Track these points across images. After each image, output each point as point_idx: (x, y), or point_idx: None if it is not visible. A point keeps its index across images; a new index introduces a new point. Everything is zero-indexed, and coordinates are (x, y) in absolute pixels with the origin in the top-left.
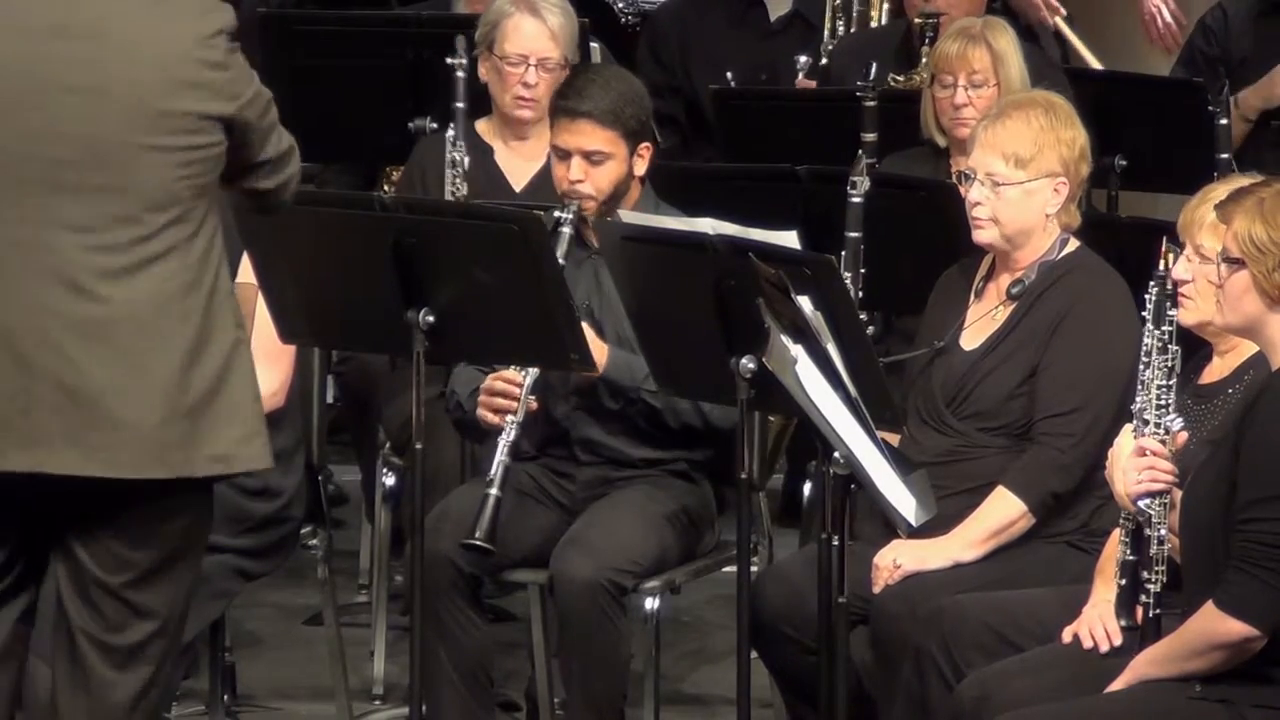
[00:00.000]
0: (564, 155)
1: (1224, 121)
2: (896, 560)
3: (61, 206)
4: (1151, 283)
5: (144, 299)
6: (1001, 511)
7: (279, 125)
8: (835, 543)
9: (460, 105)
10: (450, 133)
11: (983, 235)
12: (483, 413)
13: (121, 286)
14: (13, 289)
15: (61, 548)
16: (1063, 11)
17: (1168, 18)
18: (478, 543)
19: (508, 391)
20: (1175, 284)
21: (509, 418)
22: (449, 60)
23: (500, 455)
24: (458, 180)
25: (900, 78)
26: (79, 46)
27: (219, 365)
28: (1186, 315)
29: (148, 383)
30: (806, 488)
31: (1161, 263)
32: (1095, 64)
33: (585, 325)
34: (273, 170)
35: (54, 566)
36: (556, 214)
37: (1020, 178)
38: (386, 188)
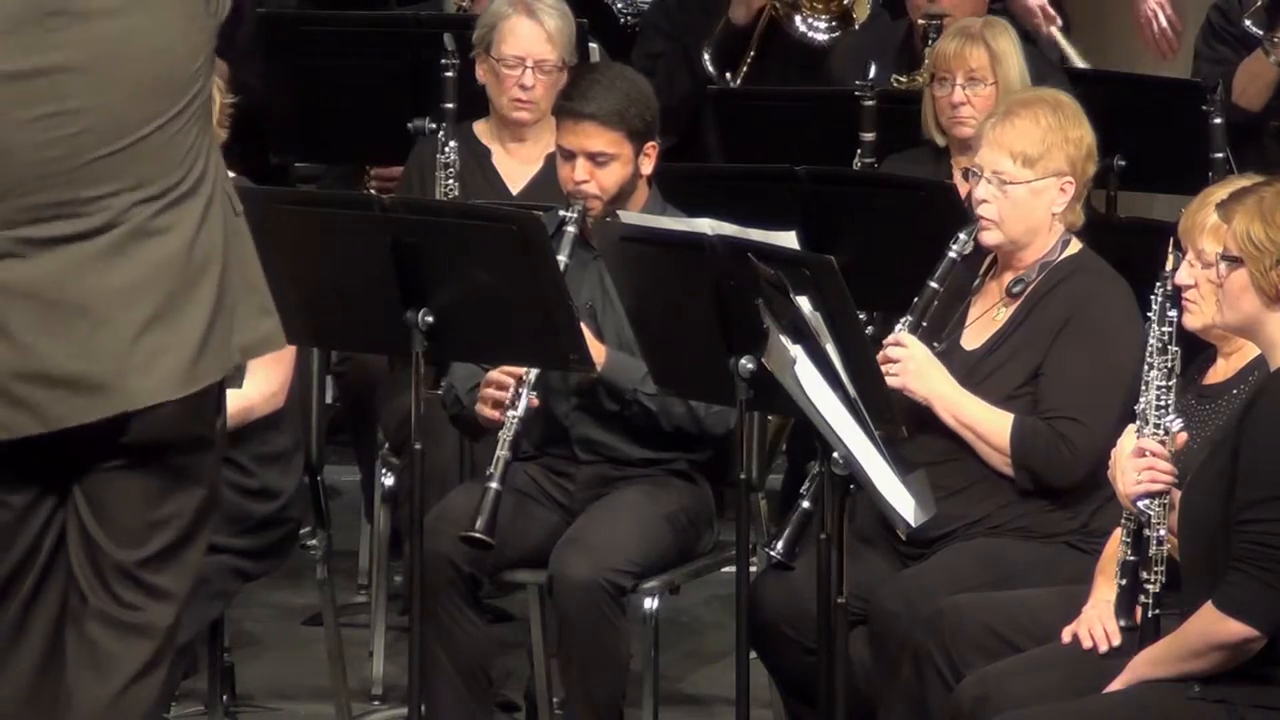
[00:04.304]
0: (569, 156)
1: (1218, 121)
2: (905, 348)
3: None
4: (1157, 284)
5: (137, 255)
6: (993, 424)
7: None
8: (834, 542)
9: (449, 105)
10: (440, 134)
11: (988, 237)
12: (480, 406)
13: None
14: None
15: (76, 526)
16: (1059, 21)
17: (1164, 22)
18: (477, 535)
19: (507, 384)
20: (1178, 289)
21: (510, 413)
22: (442, 60)
23: (501, 450)
24: (450, 181)
25: (903, 79)
26: (75, 25)
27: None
28: (1191, 320)
29: (127, 334)
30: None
31: (1168, 263)
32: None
33: (584, 326)
34: None
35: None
36: (561, 213)
37: (1027, 176)
38: (369, 188)
